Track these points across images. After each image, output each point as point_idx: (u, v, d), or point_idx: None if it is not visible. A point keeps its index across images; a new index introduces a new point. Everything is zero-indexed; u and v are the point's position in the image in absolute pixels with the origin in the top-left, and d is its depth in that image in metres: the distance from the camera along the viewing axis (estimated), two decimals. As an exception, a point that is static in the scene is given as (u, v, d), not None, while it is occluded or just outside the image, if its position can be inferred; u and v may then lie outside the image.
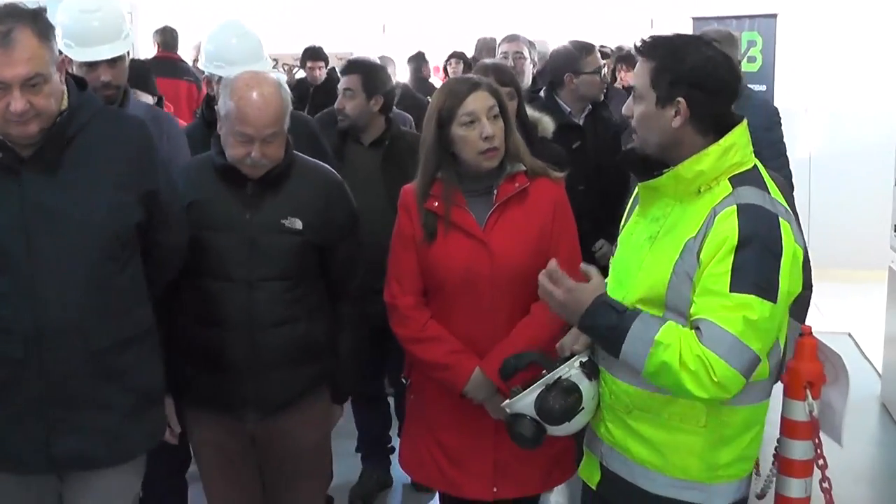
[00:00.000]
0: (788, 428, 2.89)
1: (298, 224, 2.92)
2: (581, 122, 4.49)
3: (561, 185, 3.05)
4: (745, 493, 2.49)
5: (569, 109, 4.45)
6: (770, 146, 4.43)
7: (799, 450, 2.86)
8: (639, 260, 2.41)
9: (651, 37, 2.38)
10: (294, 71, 8.17)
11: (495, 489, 3.03)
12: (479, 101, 2.88)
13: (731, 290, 2.18)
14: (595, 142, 4.46)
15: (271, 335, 2.91)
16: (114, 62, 3.39)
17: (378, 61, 6.21)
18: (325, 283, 3.07)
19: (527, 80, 5.08)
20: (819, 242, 7.88)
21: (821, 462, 2.78)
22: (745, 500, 2.50)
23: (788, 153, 6.21)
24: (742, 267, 2.18)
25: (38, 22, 2.39)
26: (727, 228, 2.21)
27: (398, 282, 3.04)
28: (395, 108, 4.46)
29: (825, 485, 2.76)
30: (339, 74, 4.36)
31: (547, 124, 3.96)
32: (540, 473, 3.08)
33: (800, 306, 3.13)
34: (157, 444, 2.81)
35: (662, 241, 2.35)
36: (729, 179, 2.30)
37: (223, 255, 2.89)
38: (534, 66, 5.19)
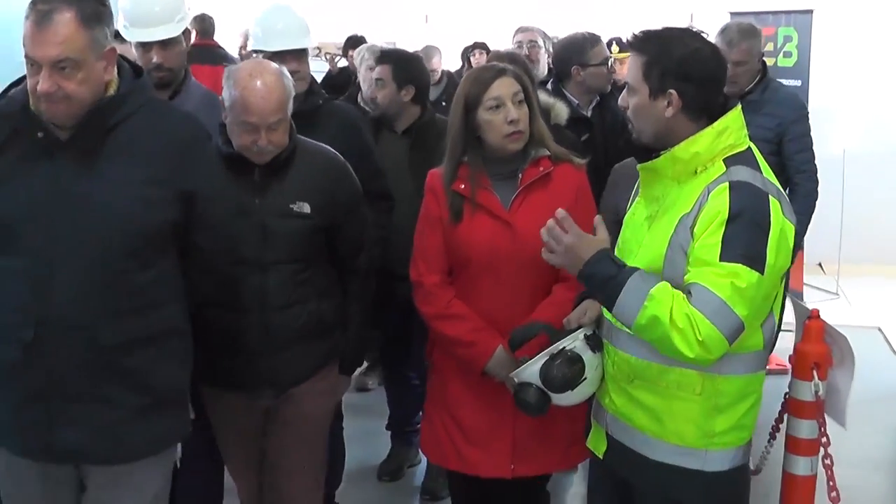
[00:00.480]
0: (795, 407, 3.01)
1: (307, 208, 2.98)
2: (589, 114, 4.48)
3: (583, 171, 3.13)
4: (742, 462, 2.58)
5: (576, 101, 4.40)
6: (796, 139, 4.49)
7: (805, 429, 2.98)
8: (639, 238, 2.55)
9: (641, 31, 2.51)
10: (336, 59, 8.18)
11: (513, 467, 3.09)
12: (504, 87, 2.97)
13: (720, 260, 2.30)
14: (603, 133, 4.45)
15: (283, 316, 2.99)
16: (165, 45, 3.45)
17: (419, 50, 6.41)
18: (333, 260, 3.15)
19: (542, 69, 5.07)
20: (851, 237, 7.95)
21: (824, 440, 2.90)
22: (742, 468, 2.59)
23: (822, 148, 6.24)
24: (732, 238, 2.31)
25: (84, 7, 2.35)
26: (719, 203, 2.33)
27: (424, 261, 3.12)
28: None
29: (827, 461, 2.87)
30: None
31: (560, 111, 3.99)
32: (557, 453, 3.13)
33: None
34: (171, 447, 2.75)
35: (661, 219, 2.48)
36: (723, 160, 2.42)
37: (236, 241, 2.94)
38: (548, 55, 5.18)
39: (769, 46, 6.98)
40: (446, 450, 3.18)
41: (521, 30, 5.27)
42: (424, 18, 9.81)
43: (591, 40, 4.42)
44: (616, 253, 2.63)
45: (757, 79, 4.51)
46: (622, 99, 2.57)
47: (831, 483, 2.83)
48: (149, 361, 2.52)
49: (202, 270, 2.87)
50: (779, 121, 4.37)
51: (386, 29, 9.19)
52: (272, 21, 3.77)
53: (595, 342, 2.62)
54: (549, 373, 2.60)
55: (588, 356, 2.61)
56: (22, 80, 2.49)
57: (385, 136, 4.21)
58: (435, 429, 3.22)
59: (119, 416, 2.50)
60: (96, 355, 2.45)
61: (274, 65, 3.01)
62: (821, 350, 2.96)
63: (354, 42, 8.09)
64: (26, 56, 2.34)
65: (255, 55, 3.82)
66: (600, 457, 2.71)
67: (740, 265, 2.30)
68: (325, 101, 3.83)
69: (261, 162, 2.95)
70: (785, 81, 6.75)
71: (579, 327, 2.65)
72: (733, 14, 7.17)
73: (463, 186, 3.03)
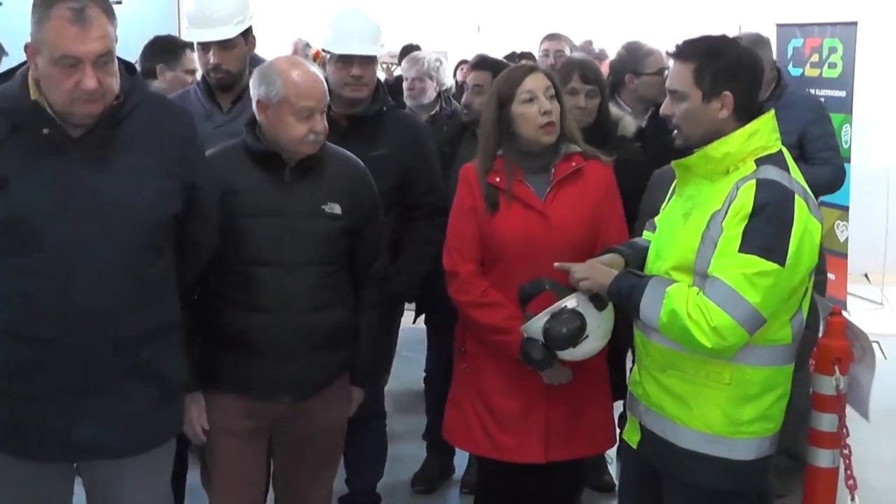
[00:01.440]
0: (817, 401, 3.13)
1: (338, 209, 2.96)
2: (644, 125, 4.33)
3: (610, 168, 3.23)
4: (768, 453, 2.68)
5: (629, 111, 4.31)
6: (816, 139, 4.48)
7: (827, 422, 3.10)
8: (673, 233, 2.69)
9: (683, 41, 2.65)
10: (392, 68, 8.18)
11: (546, 452, 3.16)
12: (536, 81, 3.09)
13: (738, 251, 2.45)
14: (657, 144, 4.33)
15: (310, 319, 2.93)
16: (224, 46, 3.51)
17: (471, 59, 6.51)
18: (350, 267, 3.11)
19: None
20: (896, 247, 7.96)
21: (843, 432, 3.02)
22: (768, 459, 2.70)
23: (867, 159, 6.35)
24: (751, 231, 2.45)
25: (104, 1, 2.39)
26: (745, 199, 2.47)
27: (459, 251, 3.19)
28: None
29: (845, 451, 2.99)
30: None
31: (628, 123, 4.00)
32: (586, 438, 3.23)
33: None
34: (175, 436, 2.79)
35: (694, 215, 2.62)
36: (754, 160, 2.56)
37: (264, 241, 2.88)
38: None
39: (814, 57, 7.05)
40: (478, 436, 3.24)
41: (549, 37, 5.27)
42: (476, 28, 9.95)
43: (648, 49, 4.41)
44: (651, 249, 2.79)
45: (772, 88, 4.49)
46: (665, 107, 2.69)
47: (849, 472, 2.95)
48: (159, 352, 2.59)
49: (222, 268, 2.89)
50: (797, 125, 4.37)
51: (438, 38, 9.36)
52: (345, 23, 3.75)
53: (598, 300, 2.75)
54: (552, 330, 2.75)
55: (591, 314, 2.74)
56: (7, 74, 2.52)
57: (467, 140, 4.13)
58: (465, 416, 3.27)
59: (135, 408, 2.55)
60: (116, 349, 2.49)
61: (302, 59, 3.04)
62: (842, 345, 3.08)
63: (409, 51, 8.20)
64: (63, 56, 2.31)
65: (323, 54, 3.85)
66: (634, 447, 2.83)
67: (754, 256, 2.43)
68: (390, 109, 3.81)
69: (310, 151, 2.91)
70: (829, 92, 6.83)
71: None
72: (779, 26, 7.26)
73: (498, 179, 3.13)
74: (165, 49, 4.37)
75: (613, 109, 3.96)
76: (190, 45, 4.13)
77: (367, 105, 3.68)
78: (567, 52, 4.98)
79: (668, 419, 2.69)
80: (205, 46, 3.55)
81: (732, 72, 2.57)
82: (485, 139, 3.19)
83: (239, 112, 3.52)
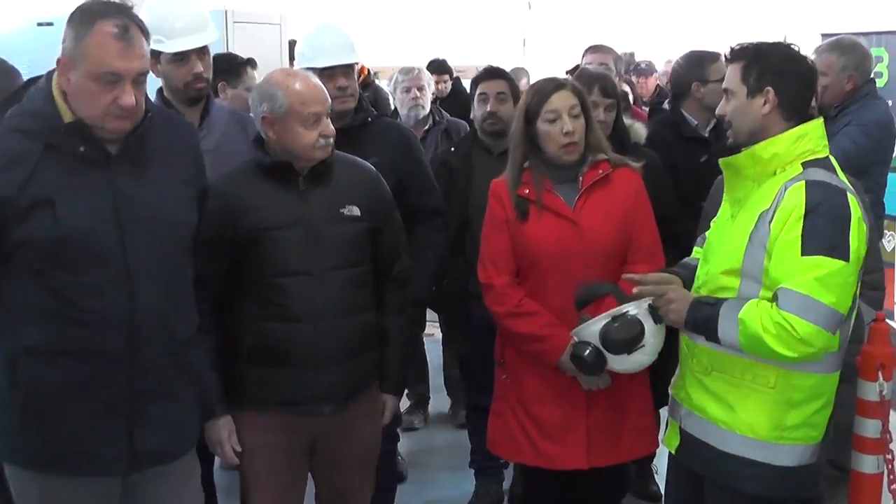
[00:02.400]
0: (861, 407, 3.14)
1: (357, 211, 2.98)
2: (707, 135, 4.31)
3: (639, 174, 3.30)
4: (811, 461, 2.71)
5: (695, 122, 4.27)
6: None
7: (871, 428, 3.11)
8: (721, 236, 2.74)
9: (738, 45, 2.73)
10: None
11: (588, 458, 3.21)
12: (562, 100, 3.16)
13: (802, 255, 2.47)
14: (720, 155, 4.44)
15: (343, 324, 2.94)
16: (202, 53, 3.46)
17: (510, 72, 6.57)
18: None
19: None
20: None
21: (887, 437, 3.04)
22: (809, 468, 2.72)
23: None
24: (811, 232, 2.47)
25: (141, 21, 2.44)
26: (796, 200, 2.51)
27: (493, 263, 3.25)
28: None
29: (888, 456, 3.01)
30: (463, 83, 4.41)
31: (638, 130, 4.08)
32: (626, 444, 3.28)
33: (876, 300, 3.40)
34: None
35: (741, 217, 2.67)
36: (801, 163, 2.61)
37: (289, 251, 2.89)
38: (619, 79, 5.02)
39: (860, 66, 7.00)
40: (522, 446, 3.29)
41: (593, 49, 5.05)
42: (522, 42, 10.03)
43: (712, 56, 4.28)
44: (703, 252, 2.84)
45: (843, 98, 4.44)
46: (720, 108, 2.77)
47: (892, 476, 2.97)
48: (196, 354, 2.70)
49: (251, 285, 2.90)
50: (840, 127, 4.35)
51: (484, 53, 9.45)
52: (320, 38, 3.76)
53: (657, 313, 2.78)
54: (609, 333, 2.79)
55: (649, 324, 2.78)
56: (18, 94, 2.51)
57: (482, 154, 4.18)
58: (509, 426, 3.31)
59: (181, 410, 2.64)
60: (172, 353, 2.57)
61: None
62: (886, 352, 3.09)
63: (437, 66, 7.78)
64: (107, 72, 2.35)
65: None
66: (673, 452, 2.88)
67: (821, 256, 2.45)
68: (375, 118, 3.83)
69: (324, 156, 2.93)
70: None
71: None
72: (824, 35, 7.22)
73: (527, 191, 3.21)
74: (227, 66, 4.38)
75: (625, 119, 4.00)
76: (251, 63, 4.20)
77: (353, 116, 3.71)
78: (612, 64, 4.83)
79: (711, 422, 2.72)
80: (184, 56, 3.42)
81: (776, 70, 2.64)
82: (513, 151, 3.28)
83: (211, 128, 3.51)
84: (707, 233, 2.94)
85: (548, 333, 3.15)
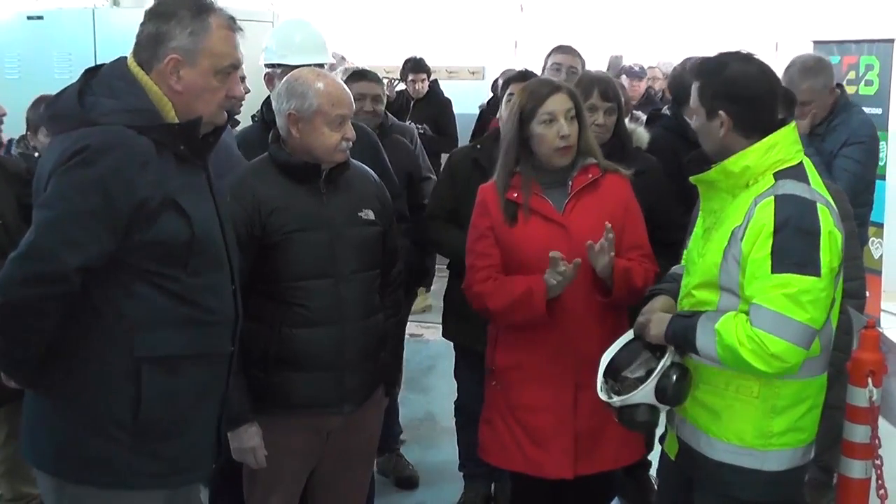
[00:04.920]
0: (851, 413, 3.17)
1: (371, 214, 3.02)
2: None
3: (629, 181, 3.27)
4: (801, 463, 2.73)
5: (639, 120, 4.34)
6: (842, 157, 4.36)
7: (860, 433, 3.13)
8: (699, 249, 2.74)
9: (699, 59, 2.73)
10: (395, 83, 7.83)
11: (574, 467, 3.19)
12: (558, 103, 3.12)
13: (772, 272, 2.46)
14: (694, 162, 4.41)
15: (363, 326, 2.98)
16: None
17: (501, 74, 6.52)
18: None
19: None
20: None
21: (875, 442, 3.06)
22: (801, 469, 2.75)
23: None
24: (780, 250, 2.46)
25: None
26: (764, 217, 2.49)
27: (472, 268, 3.22)
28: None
29: (877, 462, 3.04)
30: (455, 85, 4.24)
31: (641, 135, 4.04)
32: (612, 452, 3.24)
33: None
34: None
35: (716, 231, 2.66)
36: (773, 174, 2.59)
37: (312, 254, 2.90)
38: None
39: (851, 75, 7.05)
40: (511, 452, 3.27)
41: (562, 50, 4.86)
42: (514, 44, 10.04)
43: None
44: (684, 264, 2.86)
45: (829, 111, 4.43)
46: (692, 124, 2.77)
47: (880, 482, 3.00)
48: None
49: (273, 288, 2.88)
50: (836, 146, 4.34)
51: (476, 55, 9.45)
52: (290, 35, 3.72)
53: (681, 349, 2.72)
54: (669, 390, 2.67)
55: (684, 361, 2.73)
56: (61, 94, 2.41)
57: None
58: (498, 433, 3.29)
59: None
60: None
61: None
62: (876, 358, 3.12)
63: (414, 65, 7.72)
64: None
65: (271, 70, 3.76)
66: (673, 458, 2.89)
67: (791, 274, 2.44)
68: None
69: (342, 159, 2.96)
70: (866, 110, 6.81)
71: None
72: (816, 43, 7.27)
73: (516, 195, 3.17)
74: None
75: (627, 123, 3.96)
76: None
77: None
78: (578, 66, 4.70)
79: (703, 431, 2.74)
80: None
81: (726, 91, 2.60)
82: (504, 154, 3.22)
83: None
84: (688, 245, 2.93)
85: (527, 285, 3.08)
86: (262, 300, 2.90)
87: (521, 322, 3.15)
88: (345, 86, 2.97)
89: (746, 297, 2.53)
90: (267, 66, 3.80)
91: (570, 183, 3.19)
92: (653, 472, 4.38)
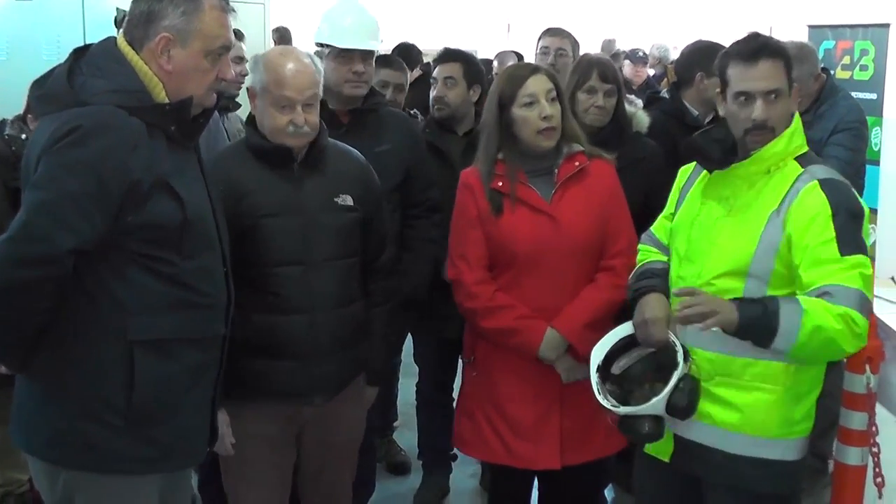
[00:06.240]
0: (848, 400, 3.16)
1: (350, 200, 2.91)
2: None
3: (614, 166, 3.19)
4: (806, 452, 2.71)
5: (695, 112, 4.12)
6: (832, 145, 4.32)
7: (857, 420, 3.12)
8: (711, 238, 2.67)
9: (763, 38, 2.64)
10: None
11: (562, 457, 3.12)
12: (538, 84, 3.03)
13: (842, 255, 2.45)
14: (692, 148, 4.29)
15: (337, 315, 2.89)
16: (368, 58, 3.53)
17: (496, 55, 6.48)
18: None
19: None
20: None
21: (873, 429, 3.04)
22: (806, 458, 2.72)
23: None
24: (843, 232, 2.47)
25: None
26: (816, 201, 2.50)
27: (463, 259, 3.11)
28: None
29: (874, 449, 3.01)
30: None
31: (641, 119, 3.92)
32: (599, 441, 3.16)
33: None
34: None
35: (740, 217, 2.62)
36: (795, 159, 2.60)
37: (284, 240, 2.82)
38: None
39: (846, 59, 7.05)
40: (493, 445, 3.18)
41: (551, 33, 4.70)
42: (507, 27, 10.01)
43: (720, 49, 4.11)
44: (684, 253, 2.76)
45: (814, 98, 4.39)
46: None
47: (877, 469, 2.98)
48: None
49: (244, 274, 2.76)
50: (825, 134, 4.29)
51: (468, 37, 9.42)
52: (341, 17, 3.60)
53: (686, 353, 2.66)
54: (680, 403, 2.61)
55: (693, 370, 2.65)
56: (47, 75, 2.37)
57: (445, 137, 4.03)
58: (479, 425, 3.20)
59: None
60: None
61: (300, 49, 2.96)
62: (874, 345, 3.08)
63: (403, 50, 7.89)
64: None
65: (319, 49, 3.65)
66: (667, 460, 2.78)
67: (860, 255, 2.46)
68: (384, 106, 3.73)
69: (298, 145, 2.84)
70: (860, 95, 6.80)
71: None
72: (811, 27, 7.27)
73: (501, 184, 3.07)
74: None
75: (626, 106, 3.85)
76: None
77: (364, 100, 3.59)
78: (570, 52, 4.54)
79: (718, 427, 2.66)
80: (349, 56, 3.50)
81: (792, 66, 2.64)
82: (486, 141, 3.13)
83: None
84: (675, 234, 2.83)
85: (523, 326, 3.04)
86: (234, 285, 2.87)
87: (504, 346, 3.11)
88: (309, 69, 2.82)
89: (807, 282, 2.48)
90: (316, 44, 3.72)
91: (556, 171, 3.10)
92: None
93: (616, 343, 2.80)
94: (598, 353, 2.79)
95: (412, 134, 3.77)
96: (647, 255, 2.95)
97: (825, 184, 2.52)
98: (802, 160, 2.61)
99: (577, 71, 3.63)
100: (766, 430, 2.62)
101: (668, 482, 2.85)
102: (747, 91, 2.57)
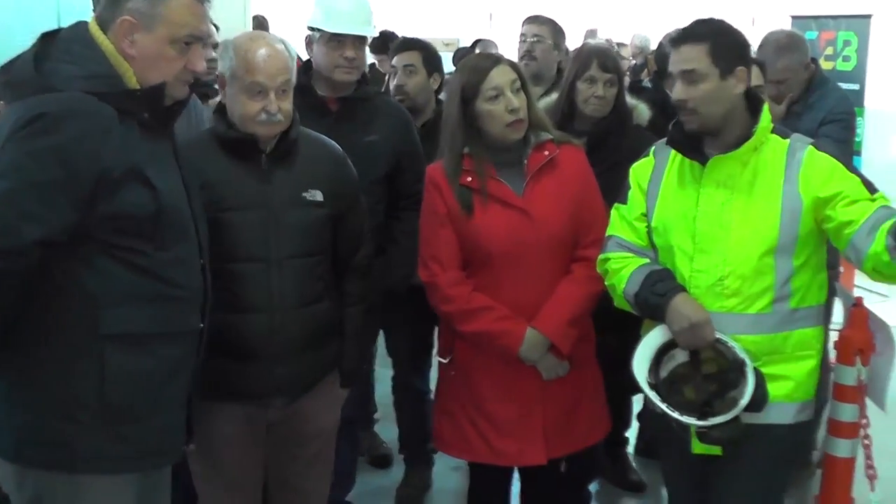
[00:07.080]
0: (838, 392, 3.14)
1: (319, 196, 2.77)
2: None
3: (583, 151, 3.09)
4: None
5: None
6: (822, 137, 4.16)
7: (847, 412, 3.11)
8: (723, 223, 2.63)
9: (691, 23, 2.65)
10: None
11: (547, 452, 3.06)
12: (502, 76, 2.91)
13: (871, 194, 2.55)
14: (676, 139, 4.25)
15: (299, 316, 2.75)
16: (360, 44, 3.48)
17: (477, 43, 6.44)
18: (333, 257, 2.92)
19: (547, 68, 4.42)
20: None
21: (864, 421, 3.02)
22: None
23: (879, 152, 6.28)
24: (860, 177, 2.59)
25: None
26: (823, 161, 2.60)
27: (435, 260, 3.00)
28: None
29: (866, 441, 3.00)
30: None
31: (642, 111, 3.78)
32: (582, 431, 3.12)
33: None
34: None
35: (747, 196, 2.62)
36: (773, 133, 2.67)
37: (245, 235, 2.69)
38: (561, 53, 4.52)
39: (829, 50, 7.05)
40: (476, 445, 3.10)
41: (529, 20, 4.60)
42: (489, 16, 9.97)
43: None
44: (694, 245, 2.67)
45: (804, 87, 4.34)
46: (680, 92, 2.62)
47: (868, 461, 2.96)
48: None
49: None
50: (814, 124, 4.22)
51: (450, 26, 9.37)
52: (335, 0, 3.48)
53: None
54: (758, 396, 2.59)
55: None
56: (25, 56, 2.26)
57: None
58: (459, 424, 3.12)
59: None
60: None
61: (272, 34, 2.85)
62: (864, 337, 3.08)
63: (385, 39, 7.86)
64: (190, 34, 2.27)
65: (311, 33, 3.57)
66: (720, 453, 2.70)
67: (881, 192, 2.58)
68: (377, 95, 3.65)
69: (269, 134, 2.71)
70: (843, 85, 6.81)
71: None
72: (794, 18, 7.26)
73: (470, 179, 2.96)
74: None
75: (628, 98, 3.77)
76: None
77: (356, 87, 3.49)
78: (548, 39, 4.42)
79: (772, 404, 2.63)
80: (341, 41, 3.43)
81: (741, 49, 2.66)
82: (450, 137, 3.00)
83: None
84: (670, 229, 2.74)
85: (503, 327, 2.96)
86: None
87: (484, 347, 3.04)
88: (280, 54, 2.70)
89: (850, 219, 2.50)
90: (309, 28, 3.60)
91: (525, 162, 2.99)
92: (630, 449, 4.39)
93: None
94: (641, 370, 2.68)
95: (404, 124, 3.66)
96: (625, 262, 2.79)
97: (819, 145, 2.64)
98: (780, 132, 2.69)
99: (576, 60, 3.55)
100: (808, 392, 2.69)
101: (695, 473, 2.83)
102: (671, 73, 2.67)
